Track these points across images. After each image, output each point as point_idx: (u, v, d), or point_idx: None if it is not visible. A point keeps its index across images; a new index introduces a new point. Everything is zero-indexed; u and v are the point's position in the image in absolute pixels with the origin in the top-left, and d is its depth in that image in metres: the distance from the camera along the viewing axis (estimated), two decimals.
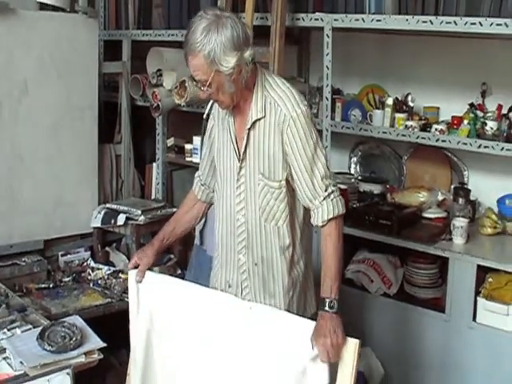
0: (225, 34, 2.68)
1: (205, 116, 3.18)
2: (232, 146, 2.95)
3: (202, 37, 2.67)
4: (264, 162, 2.89)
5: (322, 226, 2.84)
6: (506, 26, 3.58)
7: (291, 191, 2.92)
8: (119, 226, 4.68)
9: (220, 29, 2.68)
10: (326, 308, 2.70)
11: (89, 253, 4.81)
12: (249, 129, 2.87)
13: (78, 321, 3.39)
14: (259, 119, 2.86)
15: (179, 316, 2.97)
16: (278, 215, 2.93)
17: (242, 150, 2.91)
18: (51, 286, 4.36)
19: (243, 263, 3.02)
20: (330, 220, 2.82)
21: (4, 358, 3.10)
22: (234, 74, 2.74)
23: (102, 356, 3.23)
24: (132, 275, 3.08)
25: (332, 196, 2.84)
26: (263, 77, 2.90)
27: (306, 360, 2.63)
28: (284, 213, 2.93)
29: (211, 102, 3.12)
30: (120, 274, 4.49)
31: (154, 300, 3.04)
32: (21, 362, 3.00)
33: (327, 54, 4.23)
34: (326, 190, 2.84)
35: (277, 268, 2.99)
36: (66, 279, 4.46)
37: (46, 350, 3.10)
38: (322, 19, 4.22)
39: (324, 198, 2.83)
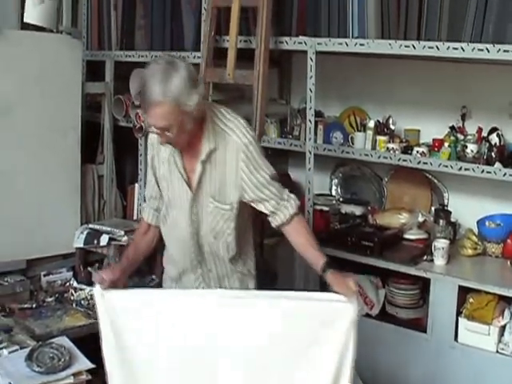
0: (184, 76, 2.76)
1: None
2: (182, 179, 3.03)
3: (163, 86, 2.72)
4: (215, 187, 3.02)
5: (296, 214, 3.10)
6: (488, 51, 3.64)
7: (241, 210, 3.09)
8: (102, 246, 4.68)
9: (178, 72, 2.76)
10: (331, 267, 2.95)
11: (71, 273, 4.78)
12: (203, 161, 2.97)
13: (65, 341, 3.40)
14: (213, 151, 2.96)
15: (156, 325, 2.92)
16: (227, 233, 3.12)
17: (196, 182, 3.01)
18: (34, 306, 4.32)
19: (199, 275, 3.21)
20: (292, 214, 3.10)
21: None
22: (194, 112, 2.82)
23: (90, 377, 3.24)
24: (97, 292, 2.94)
25: (287, 200, 3.11)
26: (210, 109, 3.01)
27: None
28: (233, 230, 3.11)
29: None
30: None
31: (128, 316, 2.96)
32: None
33: (311, 77, 4.27)
34: (284, 190, 3.12)
35: (229, 270, 3.23)
36: (49, 299, 4.43)
37: (34, 371, 3.10)
38: (305, 43, 4.27)
39: (288, 195, 3.11)
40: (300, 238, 3.08)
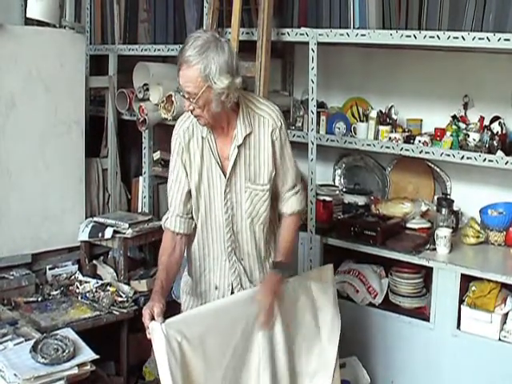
0: (223, 56, 2.81)
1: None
2: (217, 166, 3.06)
3: (201, 51, 2.78)
4: (250, 170, 3.08)
5: (299, 212, 3.29)
6: (488, 39, 3.65)
7: (272, 192, 3.18)
8: (107, 239, 4.69)
9: (219, 49, 2.81)
10: (277, 270, 3.10)
11: (76, 266, 4.81)
12: (239, 145, 3.01)
13: (70, 333, 3.42)
14: (248, 135, 3.02)
15: (220, 336, 2.91)
16: (263, 216, 3.18)
17: (231, 167, 3.04)
18: (39, 299, 4.37)
19: (232, 265, 3.21)
20: (298, 211, 3.28)
21: None
22: (223, 95, 2.85)
23: (94, 368, 3.26)
24: (156, 328, 2.71)
25: (300, 192, 3.27)
26: (245, 97, 3.06)
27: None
28: (266, 211, 3.18)
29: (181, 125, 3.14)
30: (108, 287, 4.49)
31: (191, 339, 2.81)
32: (15, 375, 3.03)
33: (312, 68, 4.27)
34: (296, 186, 3.26)
35: (261, 259, 3.28)
36: (54, 292, 4.46)
37: (39, 362, 3.13)
38: (307, 34, 4.27)
39: (296, 193, 3.25)
40: (284, 232, 3.26)
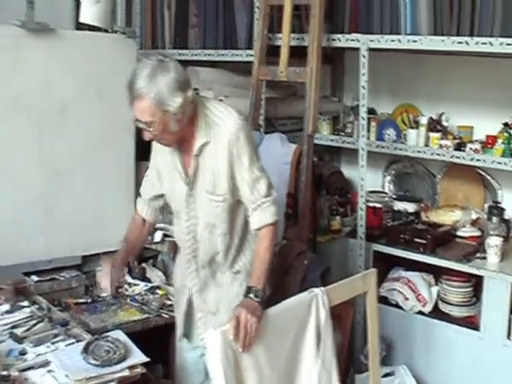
0: (170, 76, 2.84)
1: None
2: (179, 175, 3.13)
3: (148, 80, 2.83)
4: (209, 180, 3.08)
5: (258, 229, 3.10)
6: None
7: (233, 203, 3.13)
8: (156, 242, 4.71)
9: (165, 71, 2.84)
10: (251, 295, 2.90)
11: (126, 269, 4.84)
12: (196, 155, 3.04)
13: (120, 335, 3.43)
14: (205, 144, 3.03)
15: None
16: (221, 226, 3.16)
17: (192, 176, 3.10)
18: (89, 301, 4.38)
19: (192, 270, 3.31)
20: (264, 226, 3.09)
21: (48, 371, 3.13)
22: (179, 114, 2.88)
23: (144, 370, 3.27)
24: (212, 336, 2.71)
25: (264, 205, 3.08)
26: (203, 105, 3.06)
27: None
28: (227, 223, 3.16)
29: None
30: (157, 290, 4.51)
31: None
32: (66, 375, 3.03)
33: (363, 74, 4.26)
34: (258, 200, 3.08)
35: (222, 266, 3.27)
36: (104, 294, 4.50)
37: (90, 363, 3.13)
38: (358, 40, 4.27)
39: (257, 207, 3.08)
40: (258, 252, 3.11)
